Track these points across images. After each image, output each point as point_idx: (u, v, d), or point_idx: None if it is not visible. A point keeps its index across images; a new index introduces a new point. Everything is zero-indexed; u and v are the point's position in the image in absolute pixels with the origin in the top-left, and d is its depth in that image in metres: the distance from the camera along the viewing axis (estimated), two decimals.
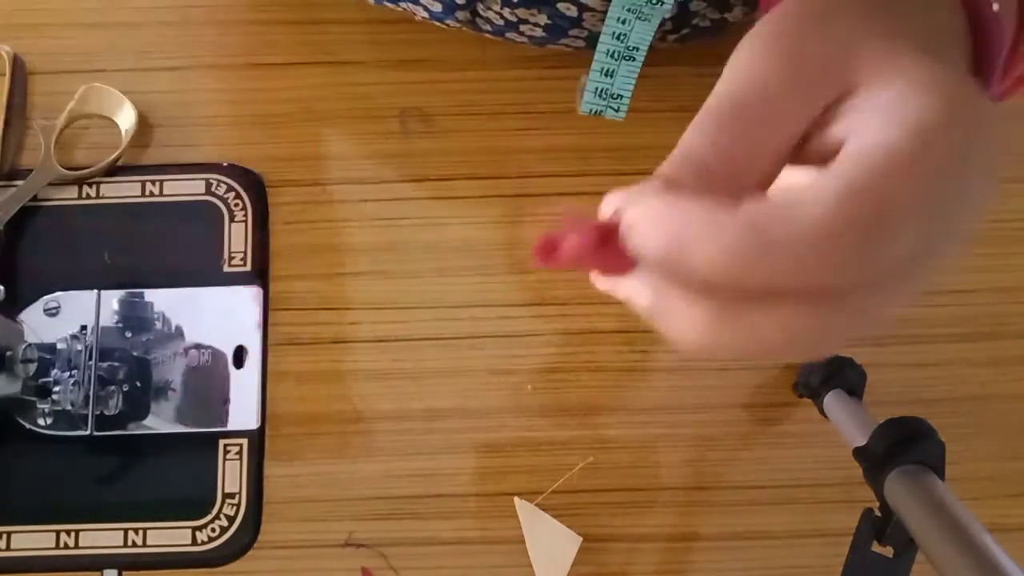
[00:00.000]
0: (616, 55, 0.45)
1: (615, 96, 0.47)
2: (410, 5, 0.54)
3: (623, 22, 0.44)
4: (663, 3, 0.43)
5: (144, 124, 0.58)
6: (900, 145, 0.21)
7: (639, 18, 0.44)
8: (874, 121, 0.22)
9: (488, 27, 0.54)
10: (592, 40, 0.52)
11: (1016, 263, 0.57)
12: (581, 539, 0.52)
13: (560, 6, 0.50)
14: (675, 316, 0.23)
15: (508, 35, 0.55)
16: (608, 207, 0.24)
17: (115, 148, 0.58)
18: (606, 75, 0.46)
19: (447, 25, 0.55)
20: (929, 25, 0.27)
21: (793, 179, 0.25)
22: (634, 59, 0.45)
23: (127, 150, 0.58)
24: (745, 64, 0.25)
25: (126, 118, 0.58)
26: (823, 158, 0.24)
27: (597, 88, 0.46)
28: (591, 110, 0.47)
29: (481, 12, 0.53)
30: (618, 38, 0.44)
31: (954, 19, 0.28)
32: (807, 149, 0.25)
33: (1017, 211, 0.58)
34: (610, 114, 0.47)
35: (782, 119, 0.24)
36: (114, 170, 0.58)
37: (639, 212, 0.22)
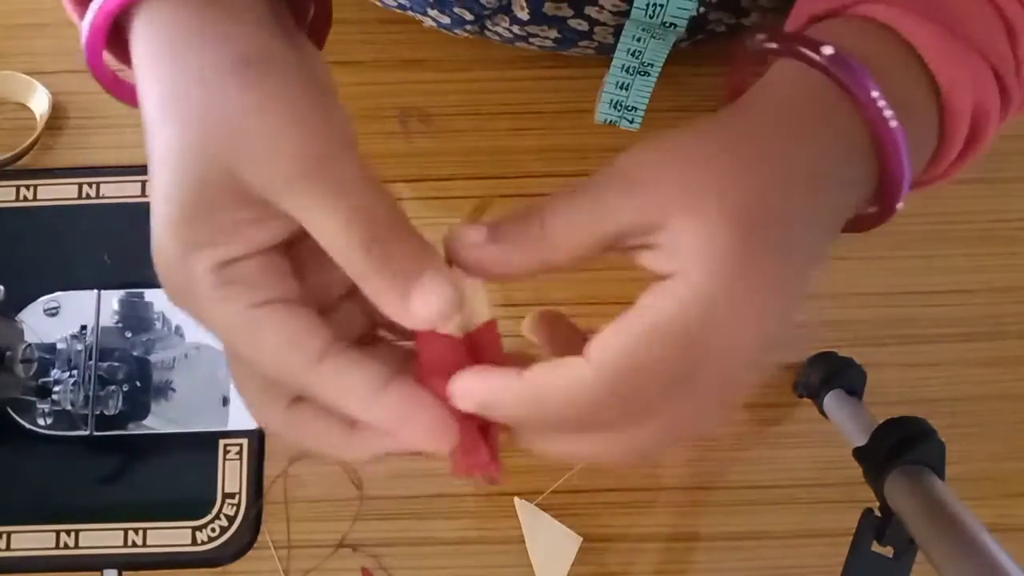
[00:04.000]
0: (631, 70, 0.46)
1: (630, 108, 0.47)
2: (418, 15, 0.54)
3: (638, 40, 0.45)
4: (676, 26, 0.44)
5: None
6: (644, 338, 0.26)
7: (653, 37, 0.44)
8: (646, 297, 0.27)
9: (497, 38, 0.54)
10: (602, 48, 0.52)
11: (1016, 263, 0.57)
12: (581, 539, 0.52)
13: (571, 22, 0.50)
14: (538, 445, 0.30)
15: (518, 44, 0.55)
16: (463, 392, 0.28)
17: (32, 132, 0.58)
18: (621, 88, 0.46)
19: (455, 34, 0.55)
20: (820, 151, 0.29)
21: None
22: (649, 74, 0.46)
23: (43, 134, 0.58)
24: (618, 167, 0.28)
25: (39, 103, 0.58)
26: (639, 267, 0.28)
27: (612, 100, 0.47)
28: (606, 120, 0.48)
29: (489, 27, 0.53)
30: (633, 55, 0.45)
31: (862, 138, 0.29)
32: (628, 252, 0.28)
33: (1017, 211, 0.58)
34: (625, 125, 0.48)
35: (608, 217, 0.27)
36: (115, 170, 0.58)
37: (462, 387, 0.28)
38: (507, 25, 0.52)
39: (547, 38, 0.52)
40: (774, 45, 0.31)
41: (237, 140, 0.26)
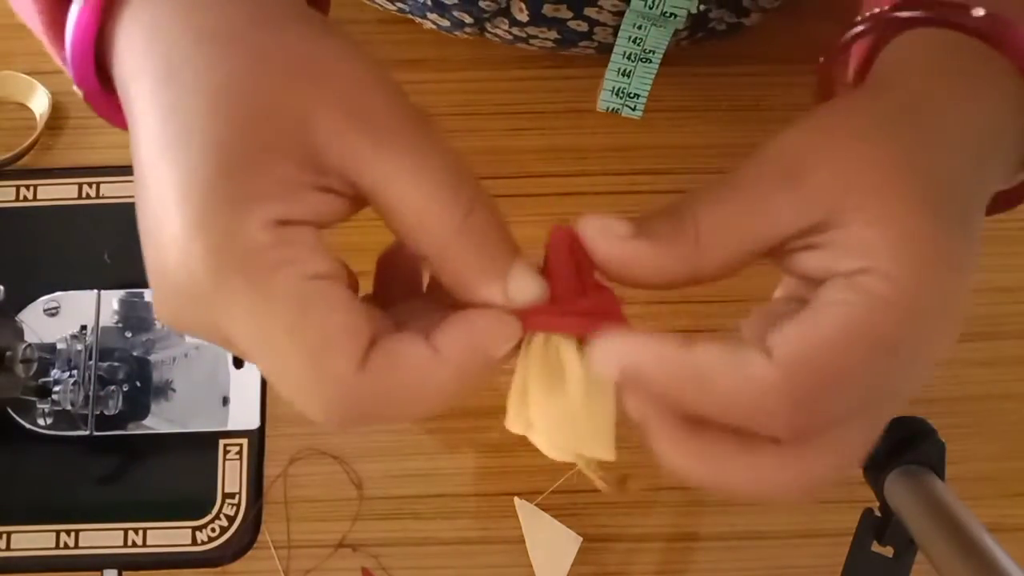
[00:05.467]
0: (633, 57, 0.45)
1: (632, 95, 0.47)
2: (417, 18, 0.54)
3: (639, 27, 0.45)
4: (675, 16, 0.43)
5: None
6: (841, 342, 0.22)
7: (655, 24, 0.44)
8: (834, 293, 0.23)
9: (497, 40, 0.54)
10: (602, 48, 0.52)
11: (1016, 263, 0.57)
12: (581, 539, 0.52)
13: (571, 23, 0.50)
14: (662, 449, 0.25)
15: (518, 45, 0.55)
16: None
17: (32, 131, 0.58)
18: (623, 75, 0.46)
19: (455, 36, 0.55)
20: (984, 128, 0.26)
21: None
22: (651, 61, 0.46)
23: (43, 134, 0.57)
24: (769, 157, 0.25)
25: (39, 103, 0.58)
26: (793, 271, 0.25)
27: (614, 87, 0.47)
28: (608, 107, 0.48)
29: (489, 29, 0.53)
30: (634, 42, 0.45)
31: (1019, 96, 0.27)
32: (784, 255, 0.25)
33: (1017, 211, 0.58)
34: (627, 112, 0.48)
35: (768, 223, 0.24)
36: (115, 170, 0.58)
37: (609, 346, 0.24)
38: (507, 27, 0.52)
39: (547, 39, 0.52)
40: (915, 13, 0.27)
41: (313, 82, 0.22)
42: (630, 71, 0.46)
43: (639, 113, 0.48)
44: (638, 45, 0.45)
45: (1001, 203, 0.30)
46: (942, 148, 0.25)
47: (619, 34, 0.45)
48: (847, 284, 0.23)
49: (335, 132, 0.22)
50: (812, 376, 0.22)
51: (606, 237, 0.24)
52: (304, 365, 0.22)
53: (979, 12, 0.26)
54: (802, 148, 0.25)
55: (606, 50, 0.47)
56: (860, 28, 0.29)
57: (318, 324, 0.22)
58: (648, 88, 0.47)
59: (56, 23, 0.26)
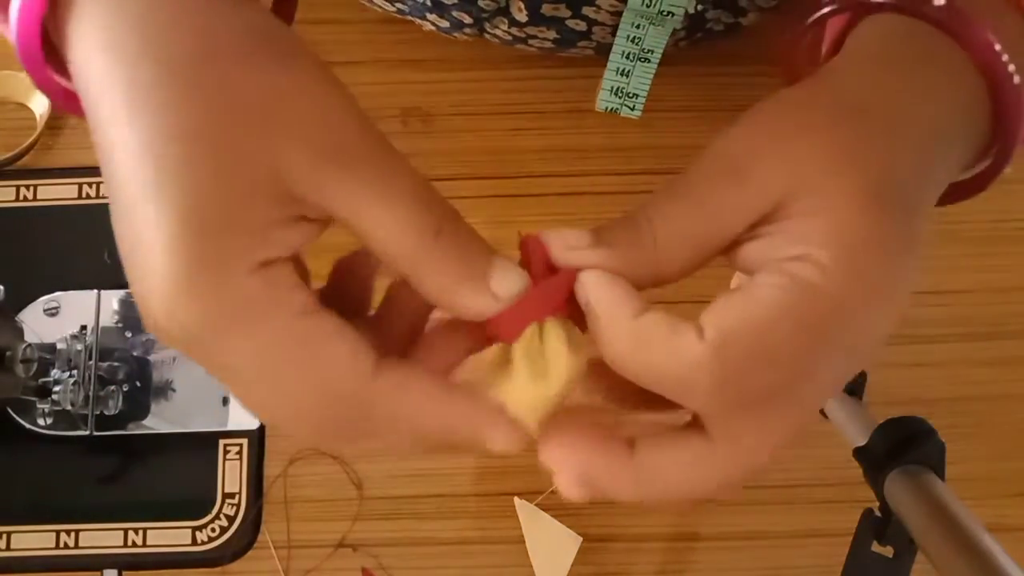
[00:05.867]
0: (631, 56, 0.45)
1: (631, 95, 0.47)
2: (417, 20, 0.54)
3: (637, 27, 0.45)
4: (673, 15, 0.43)
5: None
6: (767, 322, 0.23)
7: (652, 24, 0.44)
8: (767, 277, 0.24)
9: (496, 40, 0.54)
10: (601, 48, 0.52)
11: (1016, 263, 0.57)
12: (581, 539, 0.52)
13: (569, 23, 0.50)
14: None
15: (517, 46, 0.55)
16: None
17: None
18: (622, 75, 0.46)
19: (455, 37, 0.55)
20: (940, 111, 0.26)
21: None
22: (649, 60, 0.45)
23: (43, 134, 0.58)
24: (716, 155, 0.26)
25: (39, 103, 0.58)
26: (738, 265, 0.26)
27: (613, 87, 0.47)
28: (607, 107, 0.48)
29: (488, 30, 0.53)
30: (633, 41, 0.45)
31: (976, 94, 0.27)
32: (733, 249, 0.26)
33: (1017, 211, 0.58)
34: (626, 112, 0.48)
35: (721, 222, 0.25)
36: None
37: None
38: (506, 27, 0.52)
39: (546, 39, 0.52)
40: None
41: (277, 121, 0.23)
42: (629, 71, 0.46)
43: (638, 113, 0.48)
44: (637, 44, 0.45)
45: (957, 194, 0.30)
46: (886, 140, 0.25)
47: (617, 33, 0.45)
48: (779, 268, 0.24)
49: (305, 167, 0.23)
50: (737, 354, 0.23)
51: (568, 248, 0.25)
52: (316, 394, 0.24)
53: (939, 1, 0.27)
54: (747, 144, 0.25)
55: (605, 50, 0.47)
56: (827, 9, 0.30)
57: (323, 357, 0.23)
58: (647, 88, 0.47)
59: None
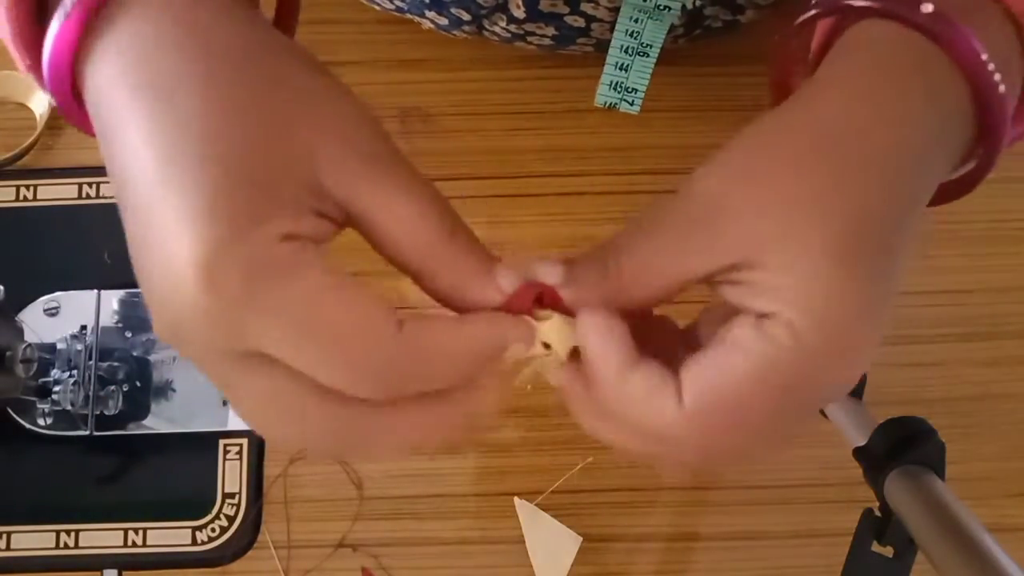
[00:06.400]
0: (630, 51, 0.45)
1: (630, 90, 0.47)
2: (416, 18, 0.54)
3: (635, 21, 0.44)
4: (670, 9, 0.43)
5: None
6: (742, 391, 0.25)
7: (651, 18, 0.44)
8: (741, 336, 0.25)
9: (495, 38, 0.54)
10: (600, 45, 0.52)
11: (1016, 263, 0.57)
12: (581, 539, 0.52)
13: (567, 19, 0.50)
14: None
15: (516, 44, 0.55)
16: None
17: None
18: (620, 69, 0.46)
19: (454, 35, 0.55)
20: (921, 131, 0.27)
21: None
22: (648, 55, 0.45)
23: (43, 134, 0.58)
24: (688, 198, 0.26)
25: (39, 103, 0.58)
26: (720, 297, 0.27)
27: (612, 81, 0.47)
28: (606, 102, 0.48)
29: (487, 27, 0.53)
30: (631, 35, 0.45)
31: (960, 105, 0.27)
32: (710, 284, 0.27)
33: (1017, 211, 0.58)
34: (624, 107, 0.48)
35: (687, 265, 0.26)
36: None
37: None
38: (504, 24, 0.52)
39: (545, 36, 0.52)
40: (867, 3, 0.28)
41: (314, 115, 0.25)
42: (627, 65, 0.46)
43: (636, 108, 0.48)
44: (635, 39, 0.45)
45: (940, 197, 0.30)
46: (860, 180, 0.25)
47: (616, 27, 0.45)
48: (754, 328, 0.25)
49: (336, 161, 0.25)
50: (712, 422, 0.25)
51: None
52: (354, 336, 0.24)
53: (927, 8, 0.27)
54: (718, 192, 0.26)
55: (605, 48, 0.47)
56: (812, 12, 0.30)
57: (358, 301, 0.24)
58: (646, 83, 0.47)
59: (25, 32, 0.27)
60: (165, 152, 0.23)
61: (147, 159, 0.24)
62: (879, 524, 0.39)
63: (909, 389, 0.55)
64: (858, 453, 0.42)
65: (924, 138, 0.26)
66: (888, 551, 0.39)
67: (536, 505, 0.53)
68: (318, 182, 0.25)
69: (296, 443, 0.26)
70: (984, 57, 0.26)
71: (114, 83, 0.25)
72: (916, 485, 0.37)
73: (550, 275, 0.27)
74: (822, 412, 0.52)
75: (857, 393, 0.51)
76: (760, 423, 0.25)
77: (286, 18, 0.35)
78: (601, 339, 0.26)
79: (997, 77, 0.26)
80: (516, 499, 0.53)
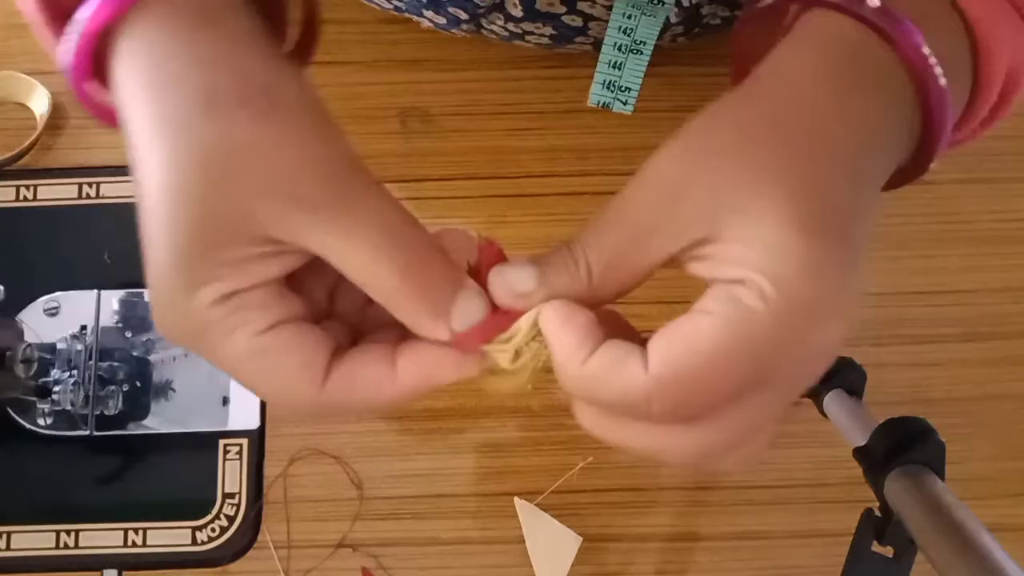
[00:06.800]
0: (623, 48, 0.45)
1: (623, 89, 0.46)
2: (415, 17, 0.54)
3: (629, 17, 0.44)
4: (664, 3, 0.43)
5: None
6: (708, 354, 0.25)
7: (644, 14, 0.44)
8: (710, 303, 0.25)
9: (494, 36, 0.54)
10: (599, 44, 0.52)
11: (1016, 263, 0.57)
12: (581, 539, 0.52)
13: (565, 19, 0.50)
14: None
15: (515, 42, 0.55)
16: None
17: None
18: (614, 67, 0.46)
19: (452, 33, 0.55)
20: (872, 120, 0.27)
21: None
22: (641, 52, 0.45)
23: (43, 134, 0.58)
24: (646, 182, 0.27)
25: (39, 103, 0.58)
26: (689, 274, 0.27)
27: (605, 80, 0.46)
28: (599, 102, 0.47)
29: (485, 26, 0.53)
30: (624, 32, 0.44)
31: (905, 96, 0.28)
32: (678, 263, 0.27)
33: (1017, 211, 0.58)
34: (618, 107, 0.47)
35: (652, 249, 0.27)
36: (115, 170, 0.58)
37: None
38: (502, 23, 0.52)
39: (543, 35, 0.52)
40: None
41: (252, 176, 0.26)
42: (621, 63, 0.46)
43: (630, 108, 0.47)
44: (628, 36, 0.45)
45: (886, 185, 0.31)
46: (814, 157, 0.26)
47: (609, 24, 0.45)
48: (723, 293, 0.25)
49: (275, 215, 0.26)
50: (680, 385, 0.25)
51: (513, 296, 0.28)
52: (274, 398, 0.28)
53: (874, 2, 0.27)
54: (675, 171, 0.26)
55: (601, 46, 0.47)
56: (768, 1, 0.31)
57: (275, 371, 0.27)
58: (639, 81, 0.46)
59: (56, 20, 0.30)
60: (146, 191, 0.26)
61: (145, 197, 0.27)
62: (879, 524, 0.39)
63: (909, 389, 0.55)
64: (858, 453, 0.42)
65: (871, 117, 0.27)
66: (888, 551, 0.39)
67: (536, 505, 0.53)
68: (265, 234, 0.26)
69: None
70: (925, 50, 0.27)
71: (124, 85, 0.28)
72: (916, 485, 0.37)
73: (523, 282, 0.28)
74: (822, 412, 0.52)
75: (857, 393, 0.51)
76: (733, 386, 0.25)
77: (306, 43, 0.36)
78: (560, 325, 0.27)
79: (938, 70, 0.27)
80: (516, 499, 0.53)
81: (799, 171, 0.25)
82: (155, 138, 0.26)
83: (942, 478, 0.38)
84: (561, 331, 0.27)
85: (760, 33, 0.32)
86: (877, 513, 0.40)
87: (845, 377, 0.51)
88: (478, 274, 0.28)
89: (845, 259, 0.25)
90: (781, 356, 0.25)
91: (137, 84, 0.27)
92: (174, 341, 0.27)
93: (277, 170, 0.26)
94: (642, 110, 0.48)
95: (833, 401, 0.50)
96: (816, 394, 0.52)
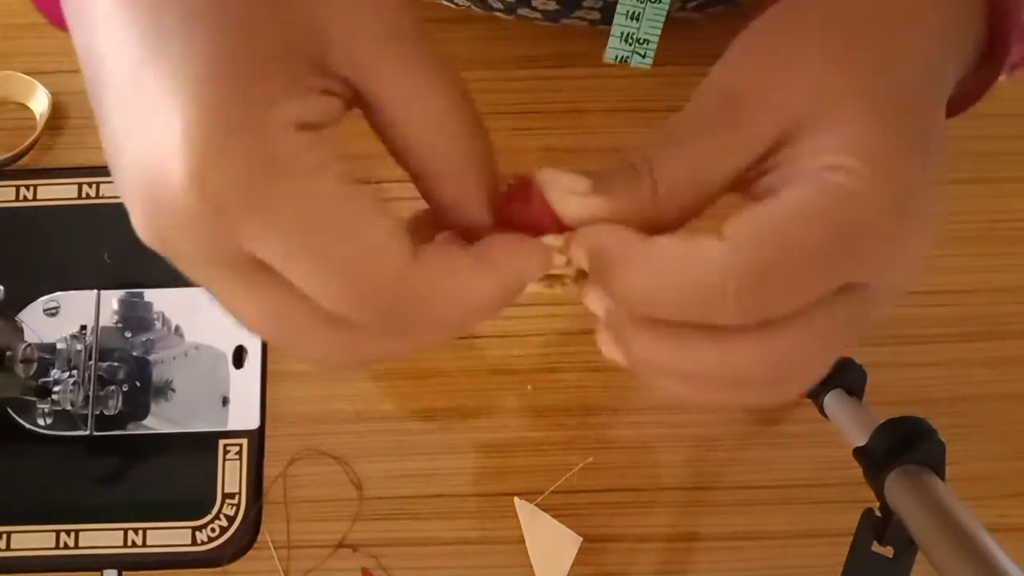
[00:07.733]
0: None
1: (641, 41, 0.44)
2: None
3: None
4: None
5: None
6: (796, 222, 0.22)
7: None
8: (796, 185, 0.23)
9: (499, 4, 0.53)
10: (606, 12, 0.51)
11: (1016, 263, 0.57)
12: (581, 539, 0.52)
13: None
14: (623, 342, 0.25)
15: (520, 11, 0.53)
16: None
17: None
18: (632, 18, 0.43)
19: (456, 5, 0.54)
20: (931, 25, 0.26)
21: None
22: (661, 0, 0.42)
23: (43, 134, 0.58)
24: (714, 89, 0.25)
25: (39, 103, 0.58)
26: (759, 198, 0.24)
27: (623, 33, 0.44)
28: (616, 56, 0.45)
29: None
30: None
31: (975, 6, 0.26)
32: (746, 187, 0.25)
33: (1017, 211, 0.58)
34: (636, 60, 0.45)
35: (729, 163, 0.24)
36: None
37: (588, 231, 0.24)
38: None
39: (549, 2, 0.51)
40: None
41: None
42: (639, 13, 0.43)
43: (648, 61, 0.45)
44: None
45: (952, 108, 0.29)
46: (884, 46, 0.24)
47: None
48: (810, 176, 0.22)
49: (353, 35, 0.21)
50: (762, 253, 0.21)
51: (566, 194, 0.25)
52: (355, 264, 0.21)
53: None
54: (744, 75, 0.24)
55: (610, 16, 0.45)
56: None
57: (367, 225, 0.21)
58: (658, 33, 0.43)
59: None
60: (152, 24, 0.20)
61: (130, 35, 0.20)
62: (879, 524, 0.39)
63: (909, 389, 0.55)
64: (858, 453, 0.42)
65: (942, 18, 0.25)
66: (888, 551, 0.39)
67: (536, 505, 0.53)
68: (326, 57, 0.21)
69: (299, 356, 0.23)
70: None
71: None
72: (916, 485, 0.37)
73: (576, 185, 0.24)
74: (822, 412, 0.52)
75: (857, 393, 0.51)
76: (822, 268, 0.22)
77: None
78: (611, 232, 0.23)
79: None
80: (516, 499, 0.53)
81: (874, 61, 0.24)
82: None
83: (942, 478, 0.38)
84: (610, 233, 0.23)
85: None
86: (877, 513, 0.40)
87: (845, 377, 0.51)
88: (508, 218, 0.25)
89: (927, 148, 0.24)
90: (876, 241, 0.22)
91: None
92: (222, 181, 0.20)
93: None
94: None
95: (833, 401, 0.50)
96: (816, 394, 0.52)
